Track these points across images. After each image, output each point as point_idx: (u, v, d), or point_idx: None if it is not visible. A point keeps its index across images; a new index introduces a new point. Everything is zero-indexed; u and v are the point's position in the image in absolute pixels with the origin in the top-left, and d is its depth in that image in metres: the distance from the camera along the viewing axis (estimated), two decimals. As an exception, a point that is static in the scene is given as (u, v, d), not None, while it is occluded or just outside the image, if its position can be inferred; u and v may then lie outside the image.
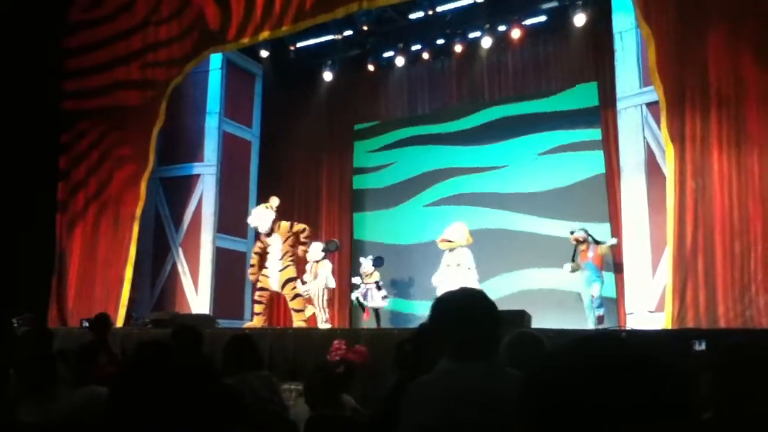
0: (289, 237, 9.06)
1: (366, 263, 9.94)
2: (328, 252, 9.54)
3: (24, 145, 9.76)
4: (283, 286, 8.94)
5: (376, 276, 9.89)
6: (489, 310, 1.92)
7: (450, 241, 8.73)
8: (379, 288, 9.80)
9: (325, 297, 9.16)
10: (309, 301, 9.08)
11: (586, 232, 8.68)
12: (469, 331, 1.86)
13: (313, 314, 9.05)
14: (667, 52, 7.12)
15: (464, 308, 1.91)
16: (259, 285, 9.21)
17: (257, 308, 9.19)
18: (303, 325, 8.77)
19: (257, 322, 9.04)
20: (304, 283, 9.17)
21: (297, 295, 8.94)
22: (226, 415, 1.54)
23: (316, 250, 9.35)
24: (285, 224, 9.11)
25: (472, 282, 8.53)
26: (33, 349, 3.70)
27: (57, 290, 10.27)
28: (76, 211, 10.54)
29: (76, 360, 3.95)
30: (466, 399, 1.73)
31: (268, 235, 9.08)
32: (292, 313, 9.03)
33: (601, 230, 9.61)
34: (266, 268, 9.15)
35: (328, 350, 6.29)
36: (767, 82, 6.55)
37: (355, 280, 10.24)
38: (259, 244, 9.32)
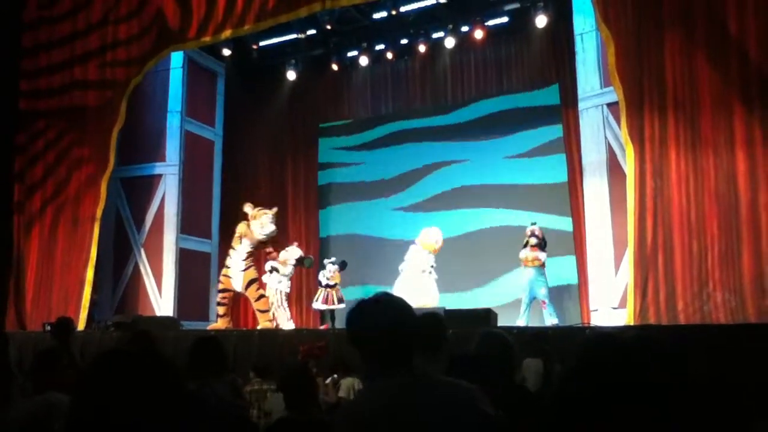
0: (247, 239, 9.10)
1: (332, 267, 9.82)
2: (301, 266, 9.59)
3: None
4: (247, 287, 8.91)
5: (337, 279, 9.85)
6: (402, 319, 1.73)
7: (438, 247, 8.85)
8: (337, 291, 9.75)
9: (284, 297, 9.16)
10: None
11: (540, 235, 8.70)
12: (382, 345, 1.69)
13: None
14: (626, 54, 7.26)
15: (378, 321, 1.71)
16: (221, 286, 9.14)
17: (221, 310, 9.13)
18: (268, 325, 8.72)
19: (222, 324, 8.96)
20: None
21: (261, 296, 8.92)
22: (188, 418, 1.53)
23: (293, 254, 9.37)
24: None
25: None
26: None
27: (15, 293, 10.00)
28: (33, 213, 10.29)
29: (36, 365, 3.84)
30: (381, 419, 1.60)
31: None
32: (257, 314, 8.98)
33: (563, 229, 9.76)
34: (228, 268, 9.09)
35: (294, 350, 6.27)
36: (718, 86, 6.74)
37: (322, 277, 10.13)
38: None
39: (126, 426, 1.40)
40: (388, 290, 8.56)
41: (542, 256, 8.60)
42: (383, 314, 1.73)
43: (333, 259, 9.92)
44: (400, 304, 1.77)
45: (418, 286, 8.59)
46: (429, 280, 8.75)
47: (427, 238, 8.93)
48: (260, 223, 9.00)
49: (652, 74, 7.14)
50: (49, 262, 10.06)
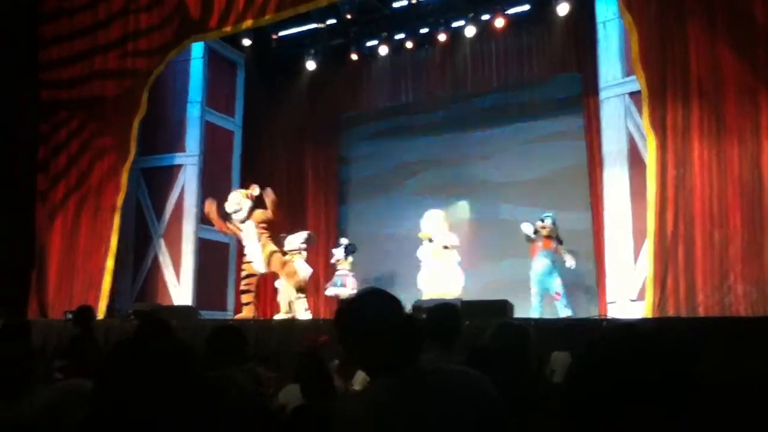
0: (262, 222, 8.92)
1: (338, 252, 9.91)
2: (310, 243, 9.58)
3: (1, 136, 9.62)
4: (269, 263, 8.80)
5: (349, 264, 9.89)
6: (398, 318, 1.67)
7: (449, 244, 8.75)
8: (347, 276, 9.80)
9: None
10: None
11: (554, 224, 8.55)
12: (379, 345, 1.63)
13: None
14: (649, 43, 7.15)
15: (373, 319, 1.65)
16: (244, 273, 9.11)
17: (246, 297, 9.01)
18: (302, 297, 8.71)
19: (248, 312, 8.93)
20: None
21: (287, 263, 8.82)
22: (207, 407, 1.53)
23: (295, 241, 9.33)
24: (259, 212, 8.92)
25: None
26: (10, 343, 3.65)
27: (37, 282, 10.15)
28: (55, 202, 10.41)
29: (63, 353, 3.89)
30: (385, 418, 1.52)
31: (242, 221, 8.90)
32: (285, 278, 8.87)
33: (581, 220, 9.67)
34: (245, 255, 9.07)
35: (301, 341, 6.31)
36: (744, 74, 6.62)
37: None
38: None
39: (146, 416, 1.41)
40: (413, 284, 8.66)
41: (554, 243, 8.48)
42: (367, 312, 1.68)
43: (341, 245, 10.04)
44: (385, 300, 1.70)
45: (439, 278, 8.55)
46: (450, 269, 8.65)
47: (429, 236, 8.80)
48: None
49: (675, 62, 7.03)
50: (71, 251, 10.16)
